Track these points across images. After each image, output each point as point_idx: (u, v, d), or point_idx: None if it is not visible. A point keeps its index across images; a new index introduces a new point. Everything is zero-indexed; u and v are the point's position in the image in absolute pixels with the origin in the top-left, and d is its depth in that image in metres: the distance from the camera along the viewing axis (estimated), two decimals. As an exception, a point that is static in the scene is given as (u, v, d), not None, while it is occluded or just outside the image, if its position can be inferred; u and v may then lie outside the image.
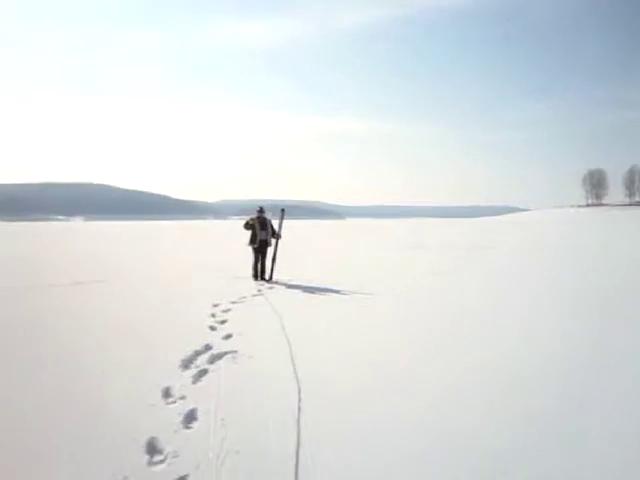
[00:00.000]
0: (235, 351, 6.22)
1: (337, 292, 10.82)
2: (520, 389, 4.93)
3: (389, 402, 4.61)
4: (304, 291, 11.18)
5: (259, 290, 11.29)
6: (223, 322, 7.93)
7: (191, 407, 4.49)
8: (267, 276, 12.95)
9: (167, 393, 4.86)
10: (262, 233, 13.14)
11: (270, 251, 13.25)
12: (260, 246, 13.13)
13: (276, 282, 12.54)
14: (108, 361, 5.87)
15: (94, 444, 3.78)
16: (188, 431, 4.05)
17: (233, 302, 9.65)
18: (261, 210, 13.49)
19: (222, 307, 9.10)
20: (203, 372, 5.50)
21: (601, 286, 11.90)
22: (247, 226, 13.25)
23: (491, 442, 3.78)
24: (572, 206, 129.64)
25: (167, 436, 3.93)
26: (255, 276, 13.03)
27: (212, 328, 7.54)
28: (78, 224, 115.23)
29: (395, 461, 3.53)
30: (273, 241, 13.31)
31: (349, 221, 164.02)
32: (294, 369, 5.50)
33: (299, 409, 4.38)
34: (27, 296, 10.53)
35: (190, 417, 4.31)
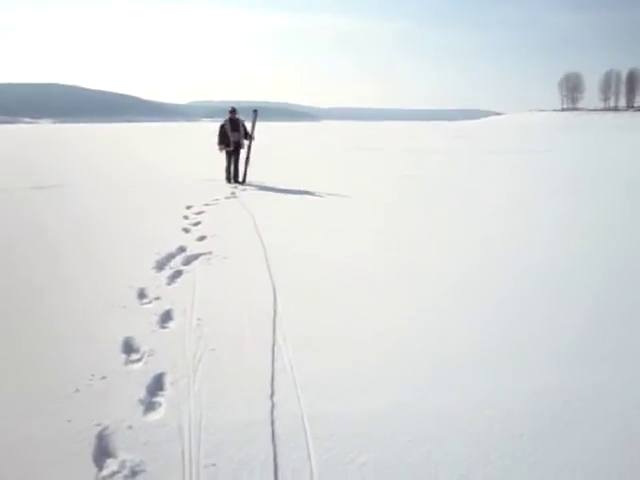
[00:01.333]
0: (209, 252, 6.20)
1: (308, 193, 10.78)
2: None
3: (362, 301, 4.70)
4: (276, 192, 11.14)
5: (232, 192, 11.15)
6: (196, 224, 7.86)
7: (166, 308, 4.49)
8: (240, 178, 12.78)
9: (142, 294, 4.85)
10: (234, 135, 12.76)
11: (243, 153, 13.00)
12: (233, 148, 12.86)
13: (249, 184, 12.38)
14: (79, 264, 5.82)
15: (71, 347, 3.77)
16: (164, 331, 4.06)
17: (206, 204, 9.53)
18: (233, 111, 13.04)
19: (195, 209, 8.98)
20: (178, 273, 5.48)
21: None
22: (222, 133, 12.88)
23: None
24: (542, 110, 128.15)
25: (143, 336, 3.94)
26: (228, 179, 12.82)
27: (185, 230, 7.47)
28: (47, 126, 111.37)
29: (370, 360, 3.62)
30: (246, 143, 13.00)
31: (324, 123, 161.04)
32: (268, 268, 5.52)
33: (274, 309, 4.42)
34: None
35: (166, 317, 4.32)
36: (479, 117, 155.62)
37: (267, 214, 8.59)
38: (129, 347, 3.77)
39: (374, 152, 24.35)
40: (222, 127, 12.85)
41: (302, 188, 11.35)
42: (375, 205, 9.70)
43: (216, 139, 13.02)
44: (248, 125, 13.05)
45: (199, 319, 4.24)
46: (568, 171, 16.05)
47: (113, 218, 8.38)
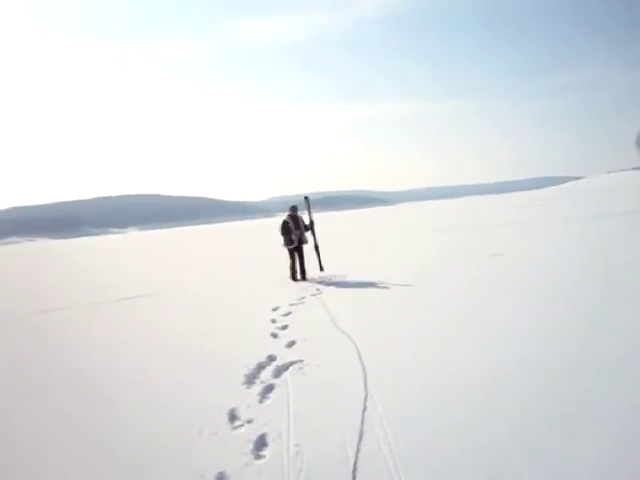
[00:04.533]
0: (301, 360, 5.80)
1: (393, 284, 10.19)
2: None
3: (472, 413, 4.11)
4: (360, 286, 10.60)
5: (317, 289, 10.80)
6: (284, 327, 7.53)
7: (261, 432, 4.09)
8: (308, 275, 12.55)
9: (233, 416, 4.49)
10: (297, 232, 12.63)
11: (306, 249, 12.79)
12: (296, 245, 12.65)
13: (332, 276, 12.11)
14: (167, 385, 5.54)
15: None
16: (259, 462, 3.63)
17: (292, 304, 9.24)
18: (293, 209, 12.96)
19: (281, 311, 8.71)
20: (269, 388, 5.10)
21: None
22: (285, 227, 12.71)
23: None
24: (622, 170, 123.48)
25: (237, 470, 3.53)
26: (294, 277, 12.56)
27: (274, 335, 7.14)
28: (132, 235, 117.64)
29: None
30: (308, 236, 12.80)
31: (397, 206, 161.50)
32: (364, 375, 5.03)
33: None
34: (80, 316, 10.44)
35: (260, 444, 3.91)
36: (557, 184, 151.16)
37: (355, 311, 8.13)
38: (223, 487, 3.36)
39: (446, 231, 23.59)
40: (286, 223, 12.73)
41: (382, 279, 10.83)
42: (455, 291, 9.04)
43: (280, 235, 12.82)
44: (304, 218, 13.00)
45: (297, 445, 3.79)
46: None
47: (198, 329, 8.18)
